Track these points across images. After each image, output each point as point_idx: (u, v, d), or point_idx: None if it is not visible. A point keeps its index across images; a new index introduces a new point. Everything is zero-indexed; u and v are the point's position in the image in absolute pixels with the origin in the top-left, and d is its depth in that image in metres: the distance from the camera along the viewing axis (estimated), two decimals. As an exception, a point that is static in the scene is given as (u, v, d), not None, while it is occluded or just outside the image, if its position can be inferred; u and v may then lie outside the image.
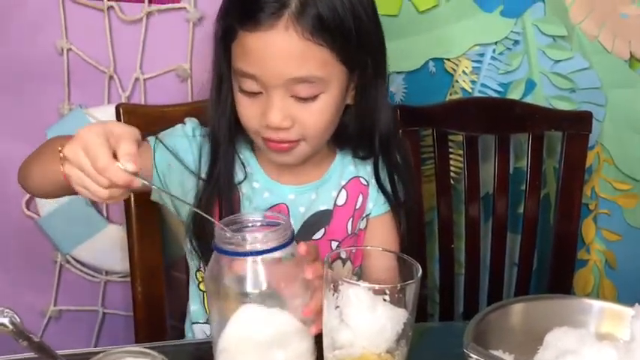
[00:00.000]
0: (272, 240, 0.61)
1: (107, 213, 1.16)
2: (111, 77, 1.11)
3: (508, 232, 1.25)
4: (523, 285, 1.28)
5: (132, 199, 0.97)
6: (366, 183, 0.90)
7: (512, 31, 1.27)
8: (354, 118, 0.83)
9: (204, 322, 0.90)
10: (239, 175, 0.83)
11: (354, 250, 0.89)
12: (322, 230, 0.87)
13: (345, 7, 0.74)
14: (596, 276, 1.44)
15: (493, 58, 1.28)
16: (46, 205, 1.11)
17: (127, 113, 0.99)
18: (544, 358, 0.64)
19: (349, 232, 0.89)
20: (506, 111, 1.23)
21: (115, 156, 0.61)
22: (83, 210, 1.13)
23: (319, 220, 0.87)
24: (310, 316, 0.64)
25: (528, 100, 1.30)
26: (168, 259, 1.03)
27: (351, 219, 0.89)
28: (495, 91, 1.30)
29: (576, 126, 1.25)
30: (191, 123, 0.86)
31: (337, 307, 0.60)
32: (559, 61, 1.30)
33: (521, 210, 1.27)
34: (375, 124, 0.83)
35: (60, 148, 0.63)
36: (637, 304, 0.63)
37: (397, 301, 0.60)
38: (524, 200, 1.24)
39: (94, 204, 1.15)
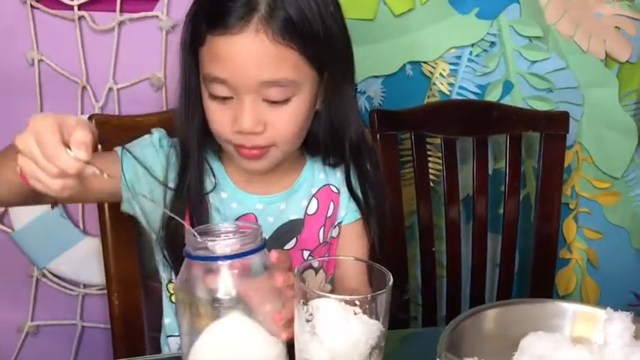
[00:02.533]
0: (243, 244, 0.61)
1: (83, 225, 1.15)
2: (84, 88, 1.10)
3: (489, 234, 1.25)
4: (505, 285, 1.28)
5: (106, 211, 0.95)
6: (336, 191, 0.89)
7: (488, 33, 1.27)
8: (324, 125, 0.83)
9: (179, 335, 0.88)
10: (207, 186, 0.83)
11: (326, 260, 0.88)
12: (294, 240, 0.87)
13: (312, 10, 0.74)
14: (579, 275, 1.44)
15: (470, 60, 1.28)
16: (19, 219, 1.10)
17: (101, 124, 0.97)
18: (519, 364, 0.64)
19: (321, 241, 0.88)
20: (484, 113, 1.23)
21: (68, 146, 0.59)
22: (58, 222, 1.12)
23: (290, 229, 0.86)
24: (281, 322, 0.63)
25: (506, 101, 1.30)
26: (146, 269, 1.02)
27: (323, 228, 0.88)
28: (473, 93, 1.30)
29: (554, 126, 1.25)
30: (158, 133, 0.85)
31: (308, 320, 0.59)
32: (535, 61, 1.30)
33: (501, 211, 1.27)
34: (344, 131, 0.83)
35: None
36: (609, 308, 0.63)
37: (369, 311, 0.59)
38: (504, 201, 1.24)
39: (69, 216, 1.13)
